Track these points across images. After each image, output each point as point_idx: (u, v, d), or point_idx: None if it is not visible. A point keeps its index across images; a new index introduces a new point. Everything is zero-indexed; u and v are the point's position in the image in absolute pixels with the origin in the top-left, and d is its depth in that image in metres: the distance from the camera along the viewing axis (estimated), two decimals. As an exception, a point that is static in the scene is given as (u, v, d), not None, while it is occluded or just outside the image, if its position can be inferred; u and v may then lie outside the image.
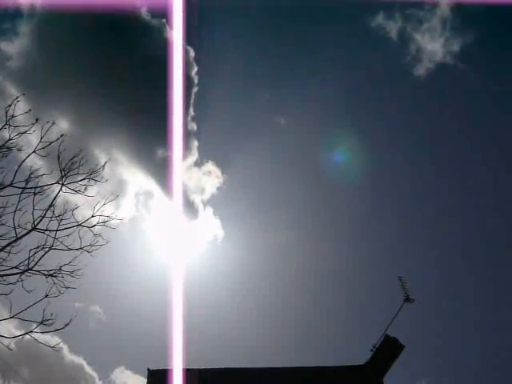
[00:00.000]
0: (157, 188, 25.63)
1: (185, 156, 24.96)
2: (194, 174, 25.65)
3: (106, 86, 21.87)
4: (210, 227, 25.83)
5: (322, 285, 25.15)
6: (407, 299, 15.00)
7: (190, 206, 25.41)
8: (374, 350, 14.53)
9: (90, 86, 21.43)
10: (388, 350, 14.32)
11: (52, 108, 20.53)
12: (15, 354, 10.19)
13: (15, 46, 22.14)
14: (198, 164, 25.49)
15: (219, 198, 26.62)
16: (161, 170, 24.68)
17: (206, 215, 26.19)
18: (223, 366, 14.85)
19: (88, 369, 23.71)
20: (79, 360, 23.27)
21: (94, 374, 23.93)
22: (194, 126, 24.48)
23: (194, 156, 25.16)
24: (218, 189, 26.31)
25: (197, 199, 26.08)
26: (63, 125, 20.70)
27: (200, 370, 14.16)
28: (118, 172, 23.18)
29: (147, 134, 24.06)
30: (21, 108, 10.11)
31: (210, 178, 26.13)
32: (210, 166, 26.04)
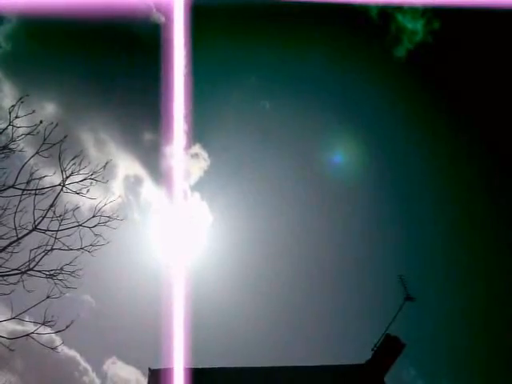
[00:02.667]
0: (144, 172, 25.48)
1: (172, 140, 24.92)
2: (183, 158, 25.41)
3: (92, 68, 21.68)
4: (198, 213, 25.57)
5: (321, 283, 25.09)
6: (408, 298, 15.01)
7: (174, 190, 25.30)
8: (375, 348, 14.56)
9: (77, 68, 21.25)
10: (389, 349, 14.34)
11: (38, 90, 20.37)
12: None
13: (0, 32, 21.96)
14: (186, 148, 25.31)
15: (206, 182, 26.36)
16: (149, 154, 24.64)
17: (194, 200, 25.98)
18: (221, 366, 14.85)
19: (81, 360, 23.62)
20: (72, 352, 23.10)
21: (87, 366, 23.84)
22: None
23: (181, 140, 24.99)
24: (205, 172, 26.08)
25: (185, 184, 25.88)
26: (49, 108, 20.58)
27: (200, 370, 14.17)
28: (105, 154, 23.00)
29: (135, 118, 24.01)
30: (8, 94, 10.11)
31: (198, 161, 25.93)
32: (196, 149, 25.88)
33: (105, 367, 24.78)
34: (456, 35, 23.11)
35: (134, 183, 25.63)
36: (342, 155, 25.37)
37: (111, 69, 22.22)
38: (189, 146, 24.87)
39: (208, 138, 25.34)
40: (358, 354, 15.37)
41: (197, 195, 26.17)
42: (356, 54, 24.69)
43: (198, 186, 26.34)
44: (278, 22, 23.91)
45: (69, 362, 22.91)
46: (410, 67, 25.14)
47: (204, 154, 25.94)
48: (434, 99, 25.13)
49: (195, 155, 25.85)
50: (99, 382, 24.18)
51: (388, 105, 25.43)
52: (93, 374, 23.85)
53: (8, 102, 10.09)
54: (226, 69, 25.34)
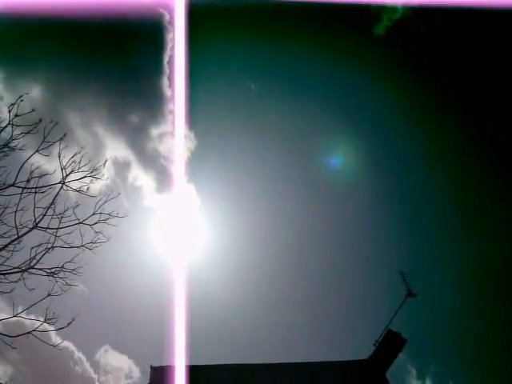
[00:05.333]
0: (132, 155, 25.33)
1: (160, 122, 24.95)
2: (169, 140, 25.19)
3: (79, 50, 21.51)
4: (186, 196, 25.26)
5: (323, 280, 25.10)
6: (409, 294, 14.99)
7: (165, 177, 25.19)
8: (377, 344, 14.54)
9: (63, 49, 21.08)
10: (391, 345, 14.33)
11: (24, 73, 20.28)
12: (2, 337, 10.10)
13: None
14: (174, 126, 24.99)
15: (193, 163, 26.07)
16: (136, 136, 24.59)
17: (182, 184, 25.62)
18: (222, 363, 14.83)
19: (75, 350, 23.66)
20: (65, 342, 23.11)
21: (81, 355, 23.89)
22: (168, 92, 24.42)
23: (169, 120, 24.88)
24: (192, 153, 25.84)
25: (172, 167, 25.50)
26: (36, 90, 20.52)
27: (201, 367, 14.17)
28: (93, 136, 22.92)
29: (122, 100, 23.97)
30: None
31: (185, 142, 25.76)
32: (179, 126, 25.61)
33: (97, 356, 24.84)
34: (434, 12, 22.95)
35: (122, 166, 25.41)
36: (329, 137, 25.46)
37: (103, 57, 22.04)
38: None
39: (194, 119, 25.12)
40: (360, 349, 15.39)
41: (184, 178, 25.89)
42: (338, 34, 24.57)
43: (185, 167, 26.00)
44: (262, 14, 23.84)
45: (63, 352, 22.90)
46: (389, 44, 25.06)
47: (190, 135, 25.75)
48: (414, 79, 25.03)
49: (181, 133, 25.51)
50: (92, 371, 24.27)
51: (371, 84, 25.35)
52: (87, 364, 23.90)
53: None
54: (212, 53, 25.25)
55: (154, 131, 25.29)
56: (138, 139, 24.78)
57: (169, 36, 23.29)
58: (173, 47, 22.82)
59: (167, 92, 24.42)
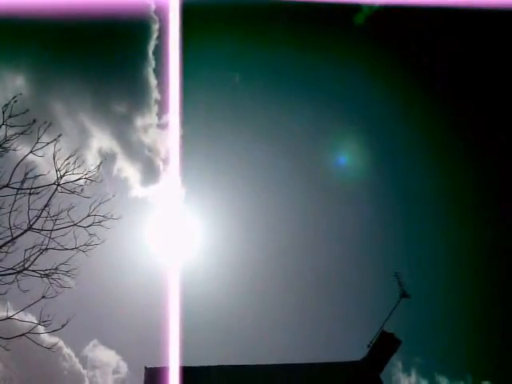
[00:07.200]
0: (117, 146, 25.09)
1: (145, 112, 24.89)
2: (153, 131, 24.95)
3: (64, 41, 21.24)
4: (177, 191, 24.72)
5: (317, 280, 25.09)
6: (404, 295, 15.02)
7: (151, 169, 25.07)
8: (371, 345, 14.57)
9: (48, 40, 20.80)
10: (385, 346, 14.35)
11: (8, 64, 20.04)
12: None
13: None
14: (159, 117, 24.79)
15: (182, 156, 25.66)
16: (121, 127, 24.44)
17: (167, 175, 25.31)
18: (217, 364, 14.81)
19: (64, 346, 23.52)
20: (54, 339, 22.93)
21: (69, 351, 23.76)
22: (154, 80, 24.36)
23: (154, 111, 24.73)
24: (180, 146, 25.44)
25: (157, 159, 25.35)
26: (20, 81, 20.33)
27: (195, 368, 14.16)
28: (78, 126, 22.72)
29: (107, 90, 23.81)
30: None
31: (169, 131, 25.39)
32: (167, 117, 25.36)
33: (86, 351, 24.77)
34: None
35: (109, 157, 25.13)
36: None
37: (88, 48, 21.80)
38: (161, 115, 24.75)
39: (184, 111, 24.84)
40: (354, 350, 15.42)
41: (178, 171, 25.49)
42: (324, 28, 24.42)
43: (180, 162, 25.68)
44: (250, 12, 23.71)
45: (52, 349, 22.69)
46: (369, 34, 24.90)
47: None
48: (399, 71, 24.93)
49: (166, 124, 25.32)
50: (81, 366, 24.18)
51: (359, 77, 25.23)
52: (76, 360, 23.83)
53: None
54: (202, 48, 25.13)
55: (140, 122, 25.17)
56: (123, 130, 24.62)
57: (155, 26, 23.30)
58: (159, 37, 22.94)
59: (153, 82, 24.40)
